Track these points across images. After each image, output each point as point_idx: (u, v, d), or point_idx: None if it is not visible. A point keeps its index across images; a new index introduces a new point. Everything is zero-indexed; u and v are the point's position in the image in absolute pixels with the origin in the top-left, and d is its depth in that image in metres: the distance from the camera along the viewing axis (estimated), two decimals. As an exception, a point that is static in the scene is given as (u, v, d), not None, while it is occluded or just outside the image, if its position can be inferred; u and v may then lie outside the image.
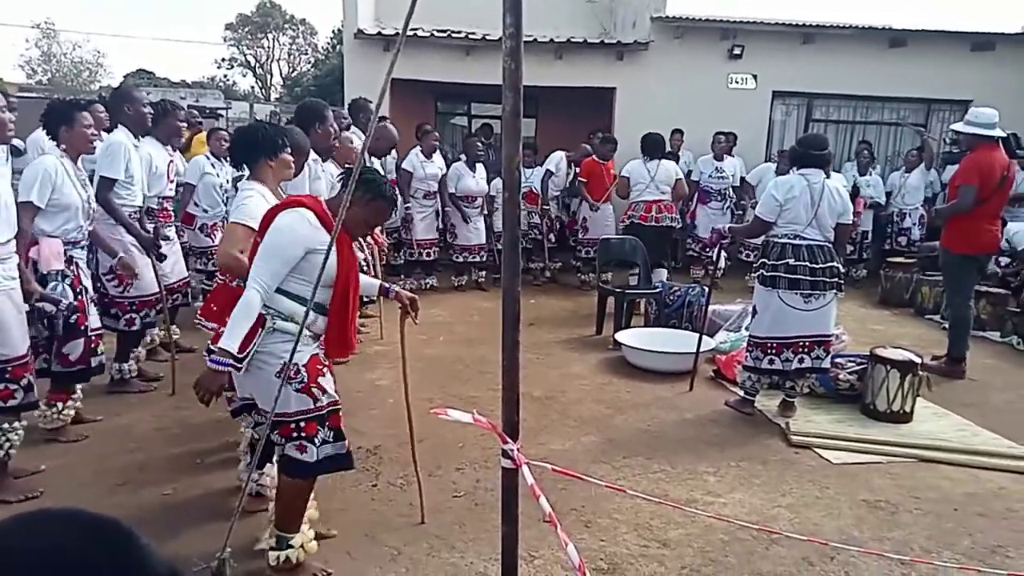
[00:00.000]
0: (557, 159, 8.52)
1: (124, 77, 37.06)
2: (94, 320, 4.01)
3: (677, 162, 8.13)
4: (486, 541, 3.11)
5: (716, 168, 8.64)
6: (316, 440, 2.74)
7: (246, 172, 3.32)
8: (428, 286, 7.98)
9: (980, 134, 5.43)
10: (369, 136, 2.22)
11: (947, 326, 6.06)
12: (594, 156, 8.35)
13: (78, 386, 4.12)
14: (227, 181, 5.84)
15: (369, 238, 4.95)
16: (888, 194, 9.12)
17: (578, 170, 8.62)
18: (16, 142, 5.56)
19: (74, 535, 0.68)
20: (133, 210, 4.57)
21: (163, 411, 4.52)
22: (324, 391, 2.75)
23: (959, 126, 5.69)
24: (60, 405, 3.90)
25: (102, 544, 0.68)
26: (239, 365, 2.62)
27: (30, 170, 3.75)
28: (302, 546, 2.84)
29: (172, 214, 5.36)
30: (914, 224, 8.98)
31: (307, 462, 2.73)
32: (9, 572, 0.62)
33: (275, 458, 2.96)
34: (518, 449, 1.82)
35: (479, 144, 8.19)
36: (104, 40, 65.49)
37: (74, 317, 3.78)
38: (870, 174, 9.03)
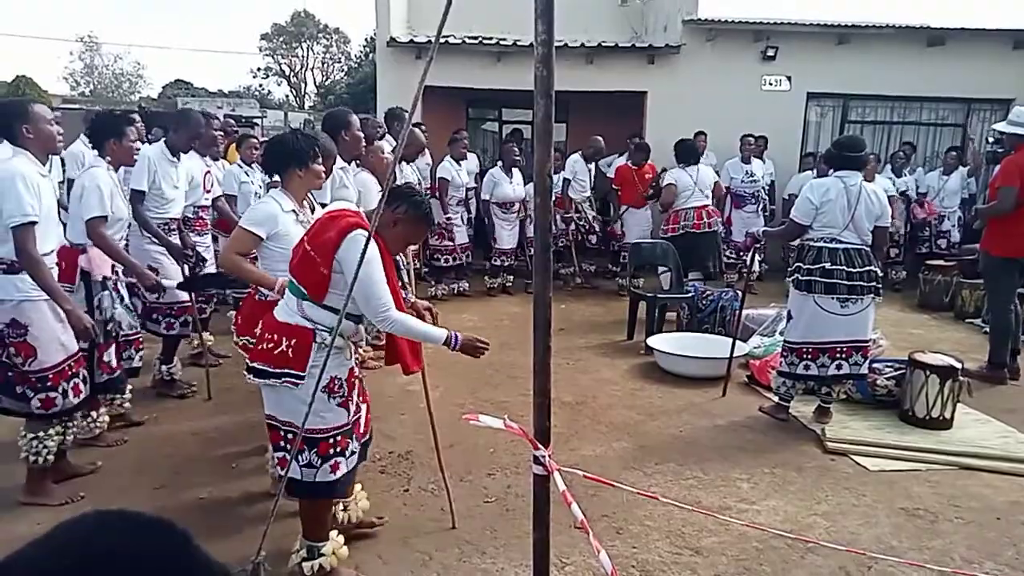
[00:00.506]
0: (571, 163, 8.47)
1: (162, 87, 37.83)
2: (126, 326, 4.07)
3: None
4: (517, 547, 3.11)
5: (746, 172, 8.55)
6: (347, 454, 2.77)
7: (277, 179, 3.39)
8: (460, 291, 8.01)
9: (1023, 134, 5.30)
10: (401, 146, 2.23)
11: (988, 330, 5.93)
12: (628, 162, 8.34)
13: (127, 387, 4.27)
14: (260, 187, 5.93)
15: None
16: (924, 195, 8.95)
17: (598, 167, 8.58)
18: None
19: (128, 536, 0.68)
20: (164, 222, 4.66)
21: (199, 416, 4.60)
22: (355, 403, 2.80)
23: (1001, 126, 5.56)
24: (94, 415, 3.97)
25: (157, 545, 0.69)
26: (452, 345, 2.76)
27: (89, 183, 3.78)
28: (334, 553, 2.86)
29: (208, 223, 5.48)
30: (953, 226, 8.82)
31: (333, 480, 2.74)
32: (65, 573, 0.63)
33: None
34: (550, 455, 1.82)
35: (516, 149, 8.13)
36: (144, 52, 66.94)
37: (110, 324, 3.87)
38: (905, 175, 8.87)
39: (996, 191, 5.47)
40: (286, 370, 2.64)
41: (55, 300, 3.21)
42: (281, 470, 2.72)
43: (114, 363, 3.94)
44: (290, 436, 2.67)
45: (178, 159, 4.81)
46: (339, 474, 2.74)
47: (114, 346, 3.94)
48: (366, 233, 2.59)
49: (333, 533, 2.91)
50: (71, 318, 3.25)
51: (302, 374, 2.61)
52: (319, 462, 2.70)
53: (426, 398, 3.30)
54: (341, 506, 3.14)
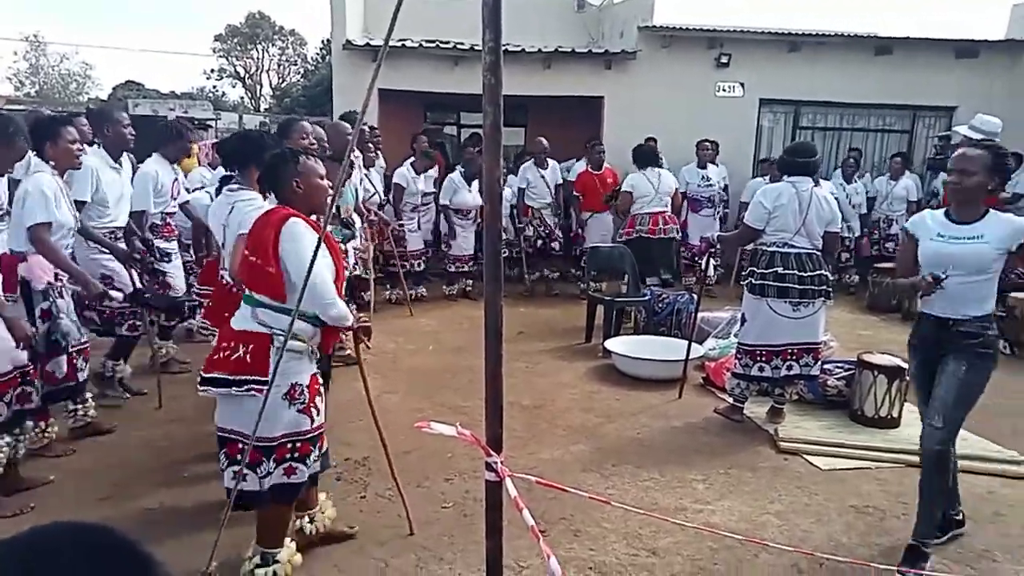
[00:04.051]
0: (523, 170, 8.51)
1: (113, 88, 36.94)
2: (73, 339, 3.96)
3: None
4: (475, 552, 3.10)
5: (702, 176, 8.67)
6: (308, 461, 2.73)
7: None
8: (417, 296, 7.97)
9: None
10: (351, 150, 2.22)
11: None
12: (588, 167, 8.37)
13: (88, 395, 4.20)
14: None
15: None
16: (873, 200, 9.18)
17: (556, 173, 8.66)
18: None
19: (81, 556, 0.67)
20: (109, 231, 4.52)
21: (149, 424, 4.50)
22: (319, 411, 2.75)
23: (963, 129, 5.63)
24: (43, 424, 3.86)
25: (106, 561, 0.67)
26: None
27: (33, 188, 3.67)
28: (288, 560, 2.82)
29: (175, 229, 5.40)
30: (901, 230, 9.04)
31: (294, 484, 2.71)
32: None
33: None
34: (502, 462, 1.82)
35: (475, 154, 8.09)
36: (93, 52, 65.23)
37: (55, 335, 3.77)
38: (855, 182, 9.09)
39: None
40: (248, 377, 2.57)
41: None
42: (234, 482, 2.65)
43: (60, 373, 3.85)
44: (245, 447, 2.62)
45: (120, 164, 4.66)
46: (293, 479, 2.70)
47: (65, 357, 3.85)
48: (299, 219, 2.64)
49: (287, 540, 2.87)
50: (10, 326, 3.17)
51: (266, 378, 2.54)
52: (274, 467, 2.67)
53: (369, 405, 3.26)
54: (307, 518, 3.10)
